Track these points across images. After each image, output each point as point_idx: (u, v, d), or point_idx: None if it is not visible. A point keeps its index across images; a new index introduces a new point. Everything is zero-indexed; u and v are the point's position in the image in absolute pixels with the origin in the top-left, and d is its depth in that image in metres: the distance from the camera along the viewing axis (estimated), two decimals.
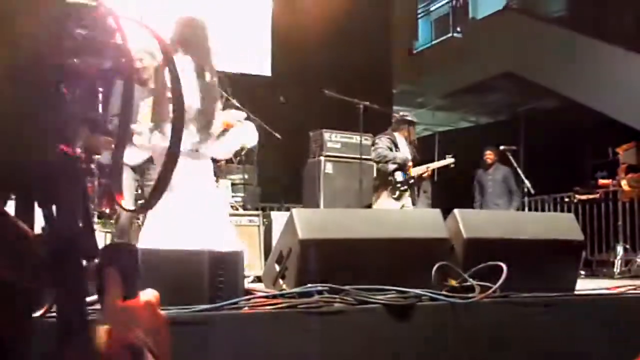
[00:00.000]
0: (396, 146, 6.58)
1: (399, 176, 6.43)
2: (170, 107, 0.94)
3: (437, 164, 6.68)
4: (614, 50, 10.54)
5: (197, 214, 3.71)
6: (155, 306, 0.81)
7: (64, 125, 0.74)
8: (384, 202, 6.38)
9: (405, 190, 6.44)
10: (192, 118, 3.84)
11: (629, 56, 10.32)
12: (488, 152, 8.40)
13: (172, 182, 0.90)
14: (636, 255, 6.62)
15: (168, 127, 3.99)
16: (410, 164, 6.50)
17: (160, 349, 0.78)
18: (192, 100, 3.80)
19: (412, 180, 6.45)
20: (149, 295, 0.82)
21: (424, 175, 6.57)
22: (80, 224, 0.76)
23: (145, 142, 3.83)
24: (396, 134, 6.67)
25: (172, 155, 0.87)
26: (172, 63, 0.91)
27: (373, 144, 6.74)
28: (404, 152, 6.61)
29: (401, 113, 6.91)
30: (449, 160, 6.71)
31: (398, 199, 6.37)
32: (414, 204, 6.47)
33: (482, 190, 8.44)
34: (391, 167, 6.43)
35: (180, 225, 3.58)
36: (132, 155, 4.31)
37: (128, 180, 4.74)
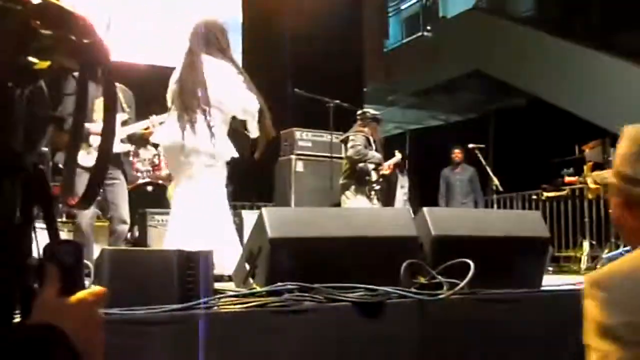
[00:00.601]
0: (370, 144, 6.58)
1: (374, 176, 6.42)
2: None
3: (388, 162, 6.60)
4: (580, 49, 10.71)
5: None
6: (92, 304, 0.80)
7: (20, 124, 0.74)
8: (359, 201, 6.33)
9: (378, 190, 6.45)
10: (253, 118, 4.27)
11: (595, 55, 10.50)
12: (457, 150, 8.48)
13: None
14: (602, 251, 6.74)
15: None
16: (385, 164, 6.52)
17: (87, 347, 0.77)
18: (257, 100, 4.36)
19: (382, 179, 6.47)
20: (87, 293, 0.80)
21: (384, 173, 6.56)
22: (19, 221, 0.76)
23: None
24: (366, 131, 6.66)
25: (105, 151, 0.87)
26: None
27: (345, 142, 6.72)
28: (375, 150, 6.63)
29: (369, 111, 6.86)
30: (397, 157, 6.65)
31: (371, 198, 6.36)
32: (379, 201, 6.43)
33: (448, 188, 8.52)
34: (370, 165, 6.40)
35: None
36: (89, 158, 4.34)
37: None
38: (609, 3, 11.86)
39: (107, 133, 0.86)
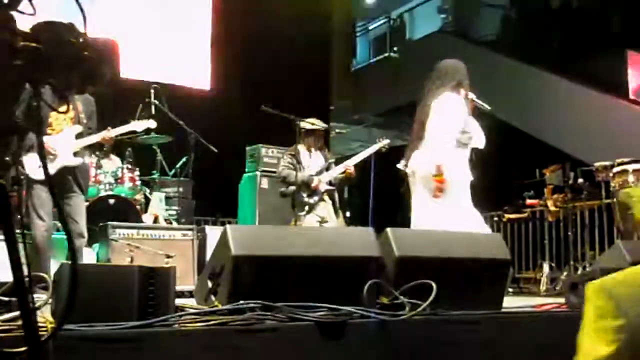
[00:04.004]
0: (299, 162, 6.36)
1: (300, 197, 6.21)
2: None
3: (334, 171, 6.40)
4: (541, 73, 10.93)
5: None
6: None
7: None
8: (301, 219, 6.19)
9: (316, 203, 6.21)
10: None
11: (556, 80, 10.73)
12: None
13: None
14: (561, 273, 6.84)
15: None
16: (314, 181, 6.24)
17: None
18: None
19: (323, 190, 6.23)
20: None
21: (334, 182, 6.30)
22: None
23: None
24: (300, 147, 6.43)
25: None
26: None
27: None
28: (312, 165, 6.41)
29: (305, 126, 6.43)
30: (344, 167, 6.41)
31: (309, 212, 6.19)
32: (335, 211, 6.27)
33: None
34: (291, 188, 6.23)
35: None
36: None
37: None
38: (569, 30, 12.16)
39: None
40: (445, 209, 4.68)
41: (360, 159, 6.53)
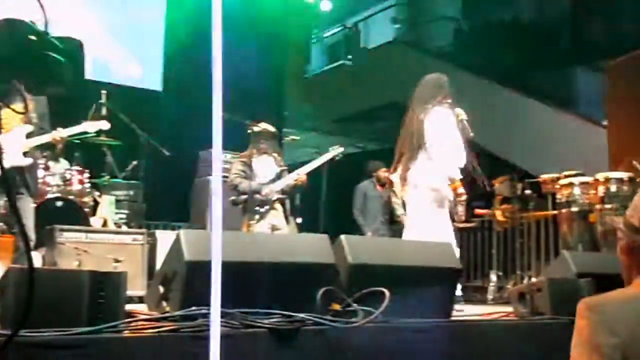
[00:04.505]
0: (251, 169, 6.31)
1: (251, 205, 6.17)
2: None
3: (286, 180, 6.38)
4: (494, 86, 11.15)
5: None
6: None
7: None
8: (258, 225, 6.15)
9: (267, 211, 6.17)
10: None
11: (508, 93, 10.96)
12: (385, 168, 7.98)
13: None
14: (508, 282, 6.97)
15: None
16: (266, 189, 6.13)
17: None
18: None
19: (275, 199, 6.18)
20: None
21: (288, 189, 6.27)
22: None
23: None
24: (253, 153, 6.38)
25: None
26: None
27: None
28: (265, 171, 6.37)
29: (254, 128, 6.37)
30: (296, 175, 6.38)
31: (260, 220, 6.15)
32: (286, 218, 6.24)
33: (366, 204, 8.13)
34: (243, 197, 6.18)
35: None
36: None
37: None
38: (520, 44, 12.46)
39: None
40: (445, 219, 5.06)
41: (313, 167, 6.52)
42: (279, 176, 6.32)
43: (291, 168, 6.61)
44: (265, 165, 6.37)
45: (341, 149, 6.65)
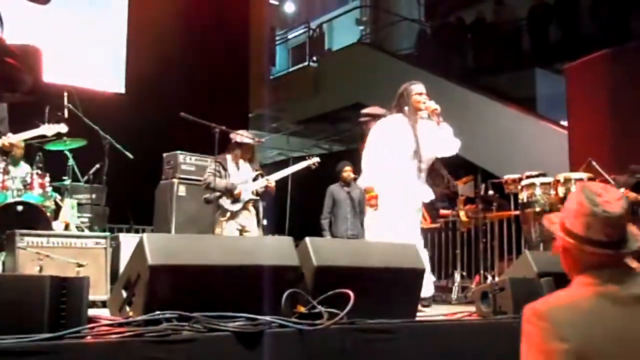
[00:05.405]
0: (225, 170, 6.32)
1: (225, 202, 6.19)
2: None
3: (258, 183, 6.39)
4: (454, 87, 11.26)
5: None
6: None
7: None
8: (228, 226, 6.17)
9: (239, 211, 6.18)
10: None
11: (467, 94, 11.09)
12: (349, 167, 7.95)
13: None
14: (472, 282, 7.04)
15: None
16: (238, 189, 6.11)
17: None
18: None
19: (247, 199, 6.19)
20: None
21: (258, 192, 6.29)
22: None
23: None
24: (228, 157, 6.35)
25: None
26: None
27: None
28: (239, 175, 6.38)
29: (236, 138, 6.34)
30: (265, 181, 6.40)
31: (230, 219, 6.17)
32: (258, 222, 6.26)
33: (336, 204, 8.11)
34: (215, 194, 6.19)
35: None
36: None
37: None
38: (482, 45, 12.63)
39: None
40: (411, 220, 5.30)
41: (285, 175, 6.58)
42: (254, 179, 6.34)
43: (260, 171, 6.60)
44: (241, 170, 6.38)
45: (316, 159, 6.75)
